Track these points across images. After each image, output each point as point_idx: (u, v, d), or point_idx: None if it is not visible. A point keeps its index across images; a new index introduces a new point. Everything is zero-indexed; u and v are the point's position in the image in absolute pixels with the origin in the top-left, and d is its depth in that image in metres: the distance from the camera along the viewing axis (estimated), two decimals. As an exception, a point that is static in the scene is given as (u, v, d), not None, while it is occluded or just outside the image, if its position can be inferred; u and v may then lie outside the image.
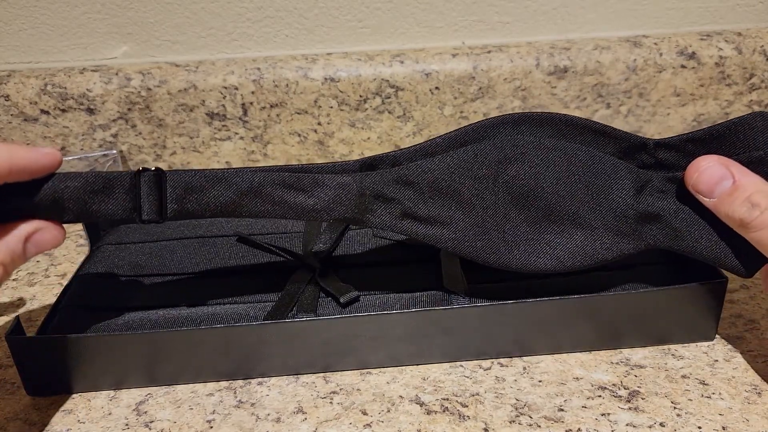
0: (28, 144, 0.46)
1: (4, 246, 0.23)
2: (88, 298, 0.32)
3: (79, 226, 0.43)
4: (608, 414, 0.27)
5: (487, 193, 0.27)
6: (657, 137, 0.48)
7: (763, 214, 0.24)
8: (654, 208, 0.27)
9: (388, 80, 0.45)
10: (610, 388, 0.28)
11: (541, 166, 0.27)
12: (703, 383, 0.28)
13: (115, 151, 0.45)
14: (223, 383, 0.29)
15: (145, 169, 0.25)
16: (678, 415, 0.27)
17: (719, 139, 0.27)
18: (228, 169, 0.26)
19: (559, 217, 0.27)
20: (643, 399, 0.27)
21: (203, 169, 0.26)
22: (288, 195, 0.26)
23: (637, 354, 0.30)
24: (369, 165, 0.28)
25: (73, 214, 0.24)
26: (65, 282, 0.36)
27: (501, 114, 0.29)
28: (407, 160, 0.28)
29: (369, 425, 0.27)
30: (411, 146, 0.28)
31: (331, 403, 0.28)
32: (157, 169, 0.25)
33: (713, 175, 0.26)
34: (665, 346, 0.30)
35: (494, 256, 0.27)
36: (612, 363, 0.29)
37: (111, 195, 0.24)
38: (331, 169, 0.27)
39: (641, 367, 0.29)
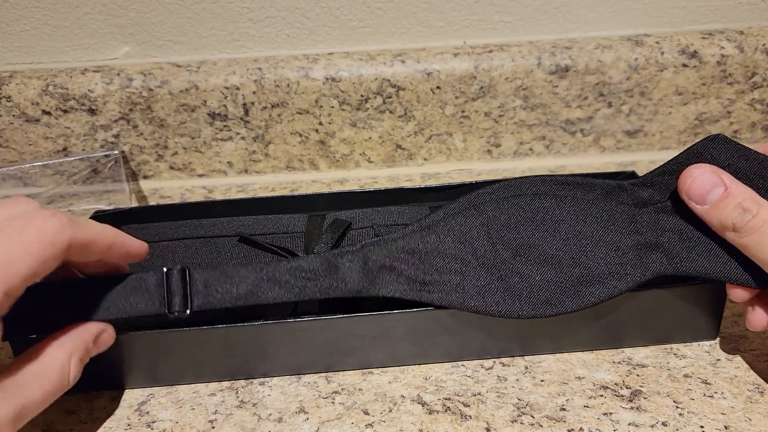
0: (30, 145, 0.46)
1: (82, 344, 0.24)
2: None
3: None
4: (610, 413, 0.27)
5: (489, 254, 0.28)
6: (658, 136, 0.48)
7: (754, 218, 0.25)
8: (652, 237, 0.28)
9: (389, 80, 0.45)
10: (612, 388, 0.28)
11: (541, 229, 0.28)
12: (705, 382, 0.28)
13: (116, 152, 0.45)
14: (225, 383, 0.29)
15: (171, 269, 0.26)
16: (680, 414, 0.26)
17: (684, 164, 0.28)
18: (248, 265, 0.27)
19: (561, 265, 0.28)
20: (645, 398, 0.27)
21: (225, 265, 0.27)
22: (304, 280, 0.27)
23: (639, 353, 0.30)
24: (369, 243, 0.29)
25: (108, 315, 0.26)
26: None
27: (491, 184, 0.30)
28: (407, 236, 0.29)
29: (371, 425, 0.27)
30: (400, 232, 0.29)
31: (332, 402, 0.28)
32: (183, 267, 0.26)
33: (705, 183, 0.26)
34: (667, 346, 0.30)
35: (499, 310, 0.27)
36: (614, 362, 0.29)
37: (145, 295, 0.26)
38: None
39: (643, 366, 0.29)
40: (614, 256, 0.27)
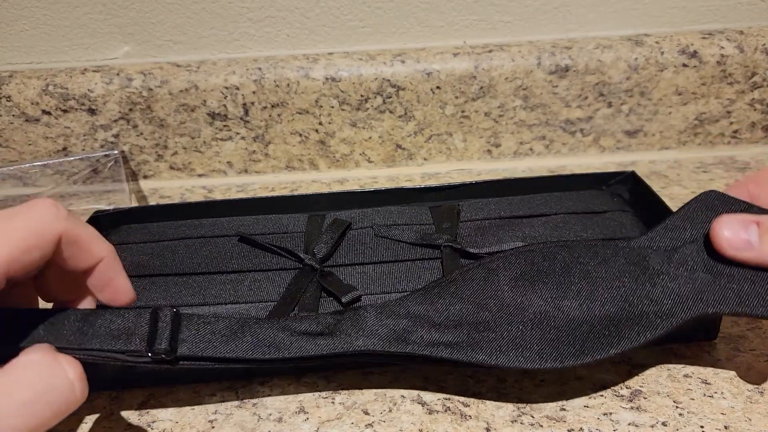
0: (30, 144, 0.46)
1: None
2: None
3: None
4: (610, 413, 0.27)
5: (514, 322, 0.26)
6: (657, 136, 0.48)
7: None
8: (687, 288, 0.26)
9: (389, 80, 0.45)
10: (612, 388, 0.28)
11: (563, 296, 0.27)
12: (705, 382, 0.28)
13: (116, 152, 0.45)
14: (225, 383, 0.29)
15: (162, 309, 0.24)
16: (680, 414, 0.26)
17: (682, 219, 0.28)
18: (246, 319, 0.25)
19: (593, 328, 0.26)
20: (645, 398, 0.27)
21: (225, 319, 0.25)
22: (310, 343, 0.26)
23: (639, 353, 0.30)
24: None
25: (88, 355, 0.23)
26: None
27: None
28: (417, 303, 0.27)
29: (371, 425, 0.27)
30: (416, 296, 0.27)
31: (332, 402, 0.28)
32: (176, 310, 0.24)
33: (738, 229, 0.25)
34: (667, 346, 0.30)
35: (528, 366, 0.26)
36: (614, 362, 0.29)
37: (129, 340, 0.23)
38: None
39: (643, 366, 0.29)
40: (639, 309, 0.26)
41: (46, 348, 0.20)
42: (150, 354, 0.23)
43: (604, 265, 0.27)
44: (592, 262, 0.27)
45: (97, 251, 0.23)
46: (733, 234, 0.25)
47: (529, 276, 0.27)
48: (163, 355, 0.23)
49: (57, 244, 0.21)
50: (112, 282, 0.24)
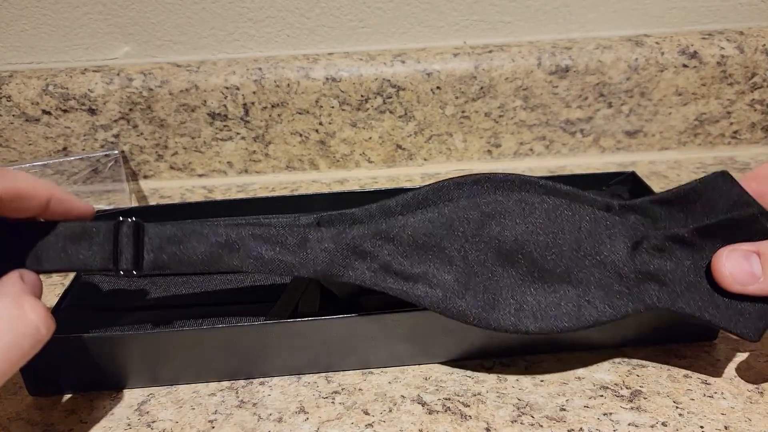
0: (30, 144, 0.46)
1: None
2: (90, 299, 0.32)
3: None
4: (610, 414, 0.27)
5: (470, 250, 0.26)
6: (658, 136, 0.48)
7: None
8: (653, 267, 0.26)
9: (389, 80, 0.45)
10: (612, 388, 0.28)
11: (527, 222, 0.26)
12: (705, 383, 0.28)
13: (116, 152, 0.45)
14: (225, 383, 0.29)
15: (123, 220, 0.25)
16: (680, 414, 0.26)
17: (684, 199, 0.27)
18: (208, 222, 0.26)
19: (549, 277, 0.26)
20: (645, 398, 0.27)
21: (183, 222, 0.25)
22: (266, 250, 0.25)
23: (639, 353, 0.30)
24: (326, 221, 0.28)
25: (51, 265, 0.24)
26: (67, 282, 0.36)
27: (467, 174, 0.28)
28: (367, 218, 0.27)
29: (371, 425, 0.27)
30: (368, 206, 0.27)
31: (332, 402, 0.28)
32: (136, 220, 0.25)
33: (740, 262, 0.25)
34: (667, 346, 0.30)
35: (479, 316, 0.25)
36: (614, 362, 0.29)
37: (90, 244, 0.24)
38: (287, 223, 0.27)
39: (643, 366, 0.29)
40: (606, 277, 0.26)
41: (10, 294, 0.22)
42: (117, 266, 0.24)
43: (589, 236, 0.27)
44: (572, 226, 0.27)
45: (37, 195, 0.24)
46: (736, 268, 0.25)
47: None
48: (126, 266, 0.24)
49: None
50: (69, 211, 0.25)
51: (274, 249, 0.25)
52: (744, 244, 0.25)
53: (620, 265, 0.26)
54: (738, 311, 0.25)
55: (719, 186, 0.27)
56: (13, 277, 0.23)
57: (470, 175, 0.28)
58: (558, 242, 0.26)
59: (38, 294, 0.24)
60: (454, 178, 0.27)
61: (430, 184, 0.28)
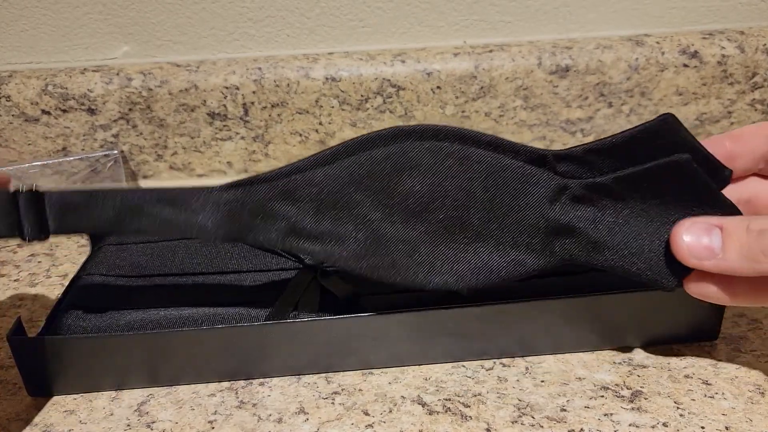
0: (29, 144, 0.46)
1: None
2: (89, 299, 0.32)
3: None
4: (611, 414, 0.27)
5: (380, 206, 0.25)
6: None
7: None
8: (569, 218, 0.25)
9: (389, 80, 0.45)
10: (613, 388, 0.28)
11: (440, 174, 0.25)
12: (706, 383, 0.28)
13: (116, 152, 0.45)
14: (225, 384, 0.29)
15: (19, 191, 0.25)
16: (681, 415, 0.26)
17: (622, 147, 0.25)
18: (107, 189, 0.26)
19: (461, 231, 0.25)
20: (645, 399, 0.27)
21: (82, 189, 0.26)
22: (170, 212, 0.25)
23: (640, 354, 0.30)
24: (234, 185, 0.26)
25: None
26: (67, 282, 0.36)
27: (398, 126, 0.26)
28: (274, 178, 0.26)
29: (371, 425, 0.27)
30: (282, 166, 0.26)
31: (332, 403, 0.28)
32: (35, 189, 0.25)
33: (699, 235, 0.23)
34: (668, 346, 0.30)
35: (391, 274, 0.25)
36: (614, 363, 0.29)
37: None
38: (196, 188, 0.26)
39: (644, 367, 0.29)
40: (520, 231, 0.25)
41: None
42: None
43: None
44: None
45: None
46: (694, 240, 0.23)
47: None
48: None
49: None
50: None
51: (176, 211, 0.25)
52: (710, 217, 0.24)
53: (536, 218, 0.25)
54: (659, 261, 0.24)
55: (663, 131, 0.24)
56: None
57: (388, 128, 0.26)
58: (471, 196, 0.25)
59: None
60: (372, 132, 0.26)
61: (347, 140, 0.26)
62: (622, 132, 0.25)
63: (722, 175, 0.25)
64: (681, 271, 0.25)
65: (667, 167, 0.24)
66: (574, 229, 0.25)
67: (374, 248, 0.25)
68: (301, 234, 0.25)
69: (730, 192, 0.26)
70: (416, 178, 0.25)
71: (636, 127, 0.25)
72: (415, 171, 0.25)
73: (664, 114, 0.24)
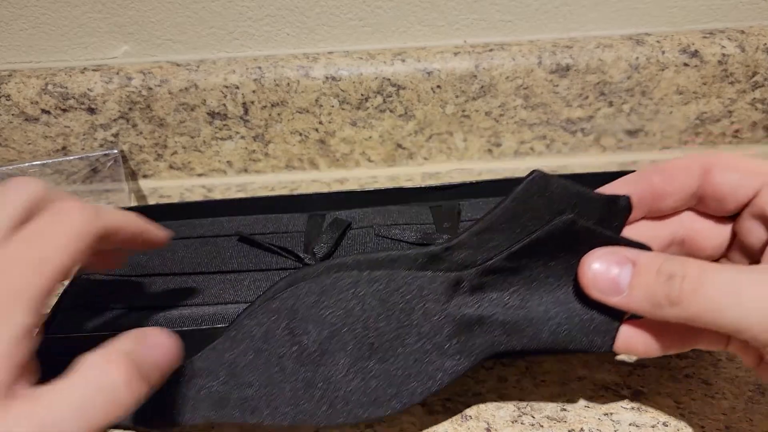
0: (29, 144, 0.46)
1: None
2: (89, 298, 0.32)
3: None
4: (611, 414, 0.27)
5: (296, 354, 0.23)
6: (659, 135, 0.48)
7: (685, 280, 0.20)
8: (473, 310, 0.23)
9: (389, 79, 0.45)
10: (613, 388, 0.28)
11: (340, 307, 0.23)
12: (706, 383, 0.28)
13: (116, 151, 0.45)
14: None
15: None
16: (681, 414, 0.26)
17: (505, 219, 0.23)
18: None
19: (382, 355, 0.23)
20: (646, 398, 0.27)
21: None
22: None
23: (640, 353, 0.30)
24: None
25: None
26: (66, 282, 0.36)
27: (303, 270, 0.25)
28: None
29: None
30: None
31: (332, 403, 0.28)
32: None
33: (610, 267, 0.22)
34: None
35: (318, 419, 0.23)
36: (615, 362, 0.29)
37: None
38: None
39: (644, 366, 0.29)
40: (429, 340, 0.23)
41: (108, 349, 0.21)
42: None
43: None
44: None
45: (130, 230, 0.23)
46: (603, 270, 0.22)
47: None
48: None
49: (97, 242, 0.21)
50: (148, 238, 0.25)
51: None
52: (627, 249, 0.22)
53: (439, 324, 0.23)
54: (585, 325, 0.23)
55: (536, 189, 0.22)
56: (133, 333, 0.21)
57: (280, 279, 0.25)
58: (381, 319, 0.23)
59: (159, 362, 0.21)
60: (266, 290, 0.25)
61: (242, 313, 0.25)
62: (498, 203, 0.23)
63: (619, 206, 0.23)
64: (613, 329, 0.23)
65: (552, 234, 0.22)
66: (483, 319, 0.23)
67: (297, 401, 0.23)
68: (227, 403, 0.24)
69: (662, 228, 0.24)
70: (317, 320, 0.23)
71: (509, 195, 0.23)
72: (309, 320, 0.23)
73: (530, 173, 0.22)
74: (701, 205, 0.24)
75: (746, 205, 0.23)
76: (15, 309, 0.18)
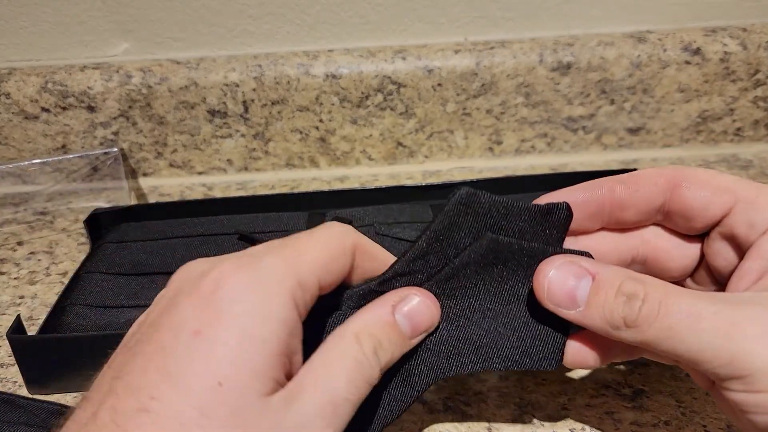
0: (29, 142, 0.46)
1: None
2: (89, 297, 0.32)
3: (81, 225, 0.43)
4: (612, 413, 0.27)
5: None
6: (660, 133, 0.48)
7: (646, 304, 0.19)
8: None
9: (390, 77, 0.44)
10: (615, 387, 0.28)
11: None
12: (708, 382, 0.28)
13: (116, 149, 0.45)
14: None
15: None
16: (683, 413, 0.26)
17: (436, 242, 0.22)
18: None
19: None
20: (647, 397, 0.27)
21: None
22: None
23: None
24: None
25: None
26: (66, 280, 0.36)
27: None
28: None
29: None
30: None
31: (333, 402, 0.28)
32: None
33: (566, 278, 0.20)
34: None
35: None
36: (616, 361, 0.29)
37: None
38: None
39: (646, 365, 0.29)
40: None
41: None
42: None
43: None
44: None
45: (382, 258, 0.22)
46: (559, 281, 0.20)
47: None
48: None
49: (354, 251, 0.20)
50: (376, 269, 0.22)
51: None
52: (588, 260, 0.21)
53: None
54: (528, 343, 0.21)
55: (461, 213, 0.22)
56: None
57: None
58: None
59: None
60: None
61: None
62: (428, 225, 0.22)
63: (557, 214, 0.22)
64: (560, 345, 0.22)
65: (477, 254, 0.21)
66: (422, 348, 0.22)
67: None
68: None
69: (623, 242, 0.23)
70: None
71: (434, 219, 0.22)
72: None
73: (456, 191, 0.21)
74: (668, 221, 0.22)
75: (716, 225, 0.21)
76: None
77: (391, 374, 0.21)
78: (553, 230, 0.22)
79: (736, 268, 0.21)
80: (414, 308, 0.21)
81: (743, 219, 0.20)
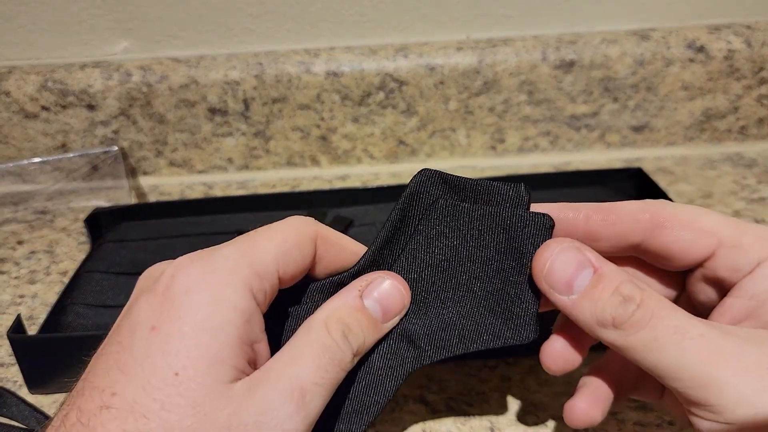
0: (29, 141, 0.46)
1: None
2: (89, 296, 0.32)
3: (81, 224, 0.42)
4: (615, 413, 0.26)
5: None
6: (664, 131, 0.47)
7: (639, 309, 0.18)
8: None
9: (391, 74, 0.44)
10: (618, 387, 0.28)
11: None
12: (713, 382, 0.28)
13: (116, 148, 0.45)
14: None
15: None
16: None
17: (401, 223, 0.22)
18: None
19: None
20: (651, 398, 0.27)
21: None
22: None
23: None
24: None
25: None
26: (67, 280, 0.36)
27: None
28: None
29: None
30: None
31: (334, 402, 0.28)
32: None
33: (568, 264, 0.19)
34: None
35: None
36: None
37: None
38: None
39: (650, 365, 0.29)
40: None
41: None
42: None
43: None
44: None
45: (352, 249, 0.22)
46: (560, 265, 0.20)
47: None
48: None
49: (314, 241, 0.21)
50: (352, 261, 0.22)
51: None
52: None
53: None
54: (503, 319, 0.21)
55: (423, 192, 0.22)
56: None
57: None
58: None
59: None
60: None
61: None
62: (392, 210, 0.22)
63: (517, 192, 0.22)
64: (531, 315, 0.21)
65: (435, 219, 0.21)
66: (389, 334, 0.21)
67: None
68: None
69: None
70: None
71: (396, 204, 0.22)
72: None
73: (418, 172, 0.22)
74: (645, 256, 0.22)
75: (698, 266, 0.21)
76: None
77: (368, 365, 0.21)
78: (509, 204, 0.22)
79: (717, 303, 0.21)
80: (384, 292, 0.21)
81: (727, 263, 0.20)
